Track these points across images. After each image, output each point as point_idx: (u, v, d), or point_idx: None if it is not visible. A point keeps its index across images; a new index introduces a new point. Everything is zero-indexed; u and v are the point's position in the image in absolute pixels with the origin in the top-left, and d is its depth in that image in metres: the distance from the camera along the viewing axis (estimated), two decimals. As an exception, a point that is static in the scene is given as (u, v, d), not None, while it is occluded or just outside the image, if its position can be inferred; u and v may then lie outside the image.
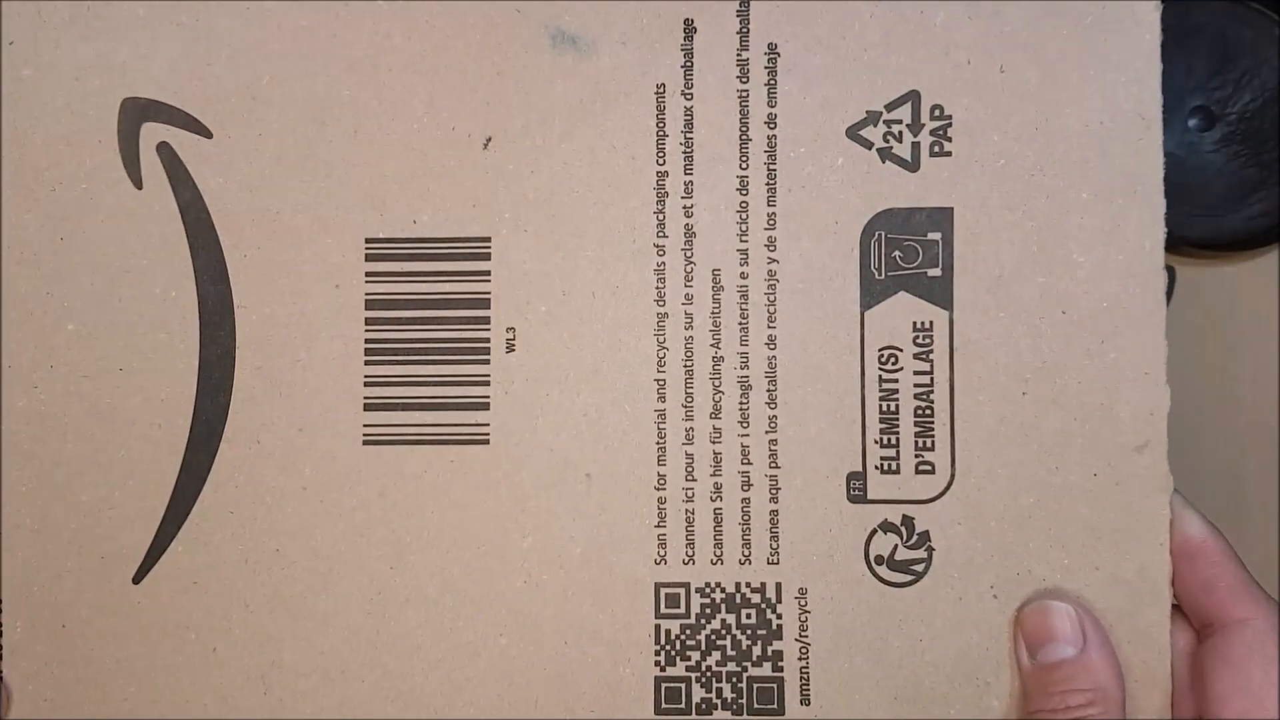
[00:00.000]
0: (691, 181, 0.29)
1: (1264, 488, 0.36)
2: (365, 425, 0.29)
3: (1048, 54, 0.28)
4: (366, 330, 0.29)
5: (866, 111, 0.29)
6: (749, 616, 0.29)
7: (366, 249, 0.29)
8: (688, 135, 0.29)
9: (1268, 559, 0.36)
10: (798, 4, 0.29)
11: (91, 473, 0.29)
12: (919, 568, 0.28)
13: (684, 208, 0.29)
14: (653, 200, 0.29)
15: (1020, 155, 0.28)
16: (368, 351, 0.29)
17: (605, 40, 0.29)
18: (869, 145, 0.29)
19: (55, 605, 0.29)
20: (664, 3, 0.29)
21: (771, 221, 0.29)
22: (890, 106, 0.28)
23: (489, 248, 0.29)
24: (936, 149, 0.28)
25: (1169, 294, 0.27)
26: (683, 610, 0.29)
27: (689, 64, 0.29)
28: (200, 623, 0.29)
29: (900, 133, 0.28)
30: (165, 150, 0.29)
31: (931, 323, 0.28)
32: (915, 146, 0.28)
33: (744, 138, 0.29)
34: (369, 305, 0.29)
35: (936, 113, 0.28)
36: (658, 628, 0.29)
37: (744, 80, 0.29)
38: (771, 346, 0.29)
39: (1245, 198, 0.33)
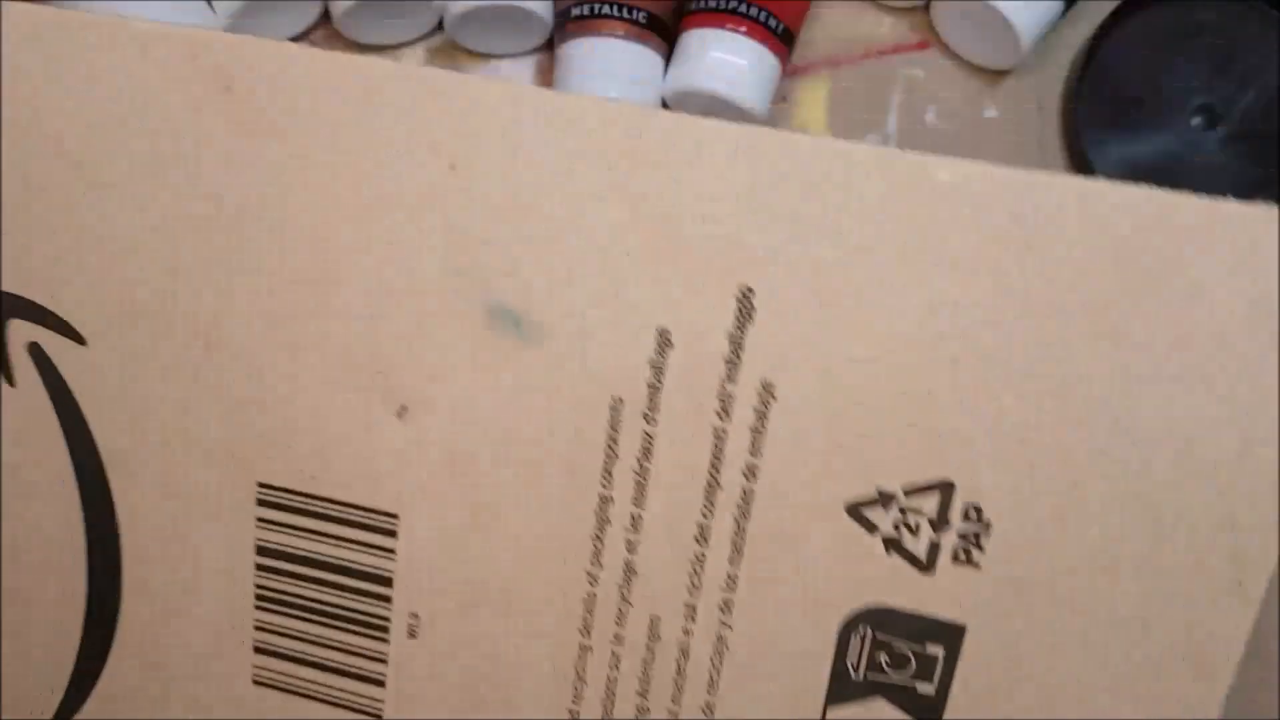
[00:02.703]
0: (640, 516, 0.23)
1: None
2: (255, 666, 0.26)
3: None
4: (257, 577, 0.25)
5: (878, 490, 0.21)
6: None
7: (259, 494, 0.24)
8: (643, 464, 0.22)
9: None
10: (810, 338, 0.21)
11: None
12: None
13: (627, 542, 0.23)
14: (591, 524, 0.23)
15: (1074, 600, 0.21)
16: (259, 598, 0.25)
17: (558, 331, 0.22)
18: (873, 529, 0.21)
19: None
20: (638, 302, 0.21)
21: (731, 584, 0.23)
22: (911, 492, 0.21)
23: (396, 524, 0.24)
24: (962, 557, 0.21)
25: None
26: None
27: (657, 383, 0.22)
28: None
29: (917, 525, 0.21)
30: (36, 351, 0.24)
31: (908, 738, 0.23)
32: (934, 546, 0.21)
33: (712, 484, 0.22)
34: (260, 552, 0.25)
35: (971, 515, 0.21)
36: None
37: (724, 417, 0.21)
38: (708, 713, 0.24)
39: (1247, 197, 0.28)
